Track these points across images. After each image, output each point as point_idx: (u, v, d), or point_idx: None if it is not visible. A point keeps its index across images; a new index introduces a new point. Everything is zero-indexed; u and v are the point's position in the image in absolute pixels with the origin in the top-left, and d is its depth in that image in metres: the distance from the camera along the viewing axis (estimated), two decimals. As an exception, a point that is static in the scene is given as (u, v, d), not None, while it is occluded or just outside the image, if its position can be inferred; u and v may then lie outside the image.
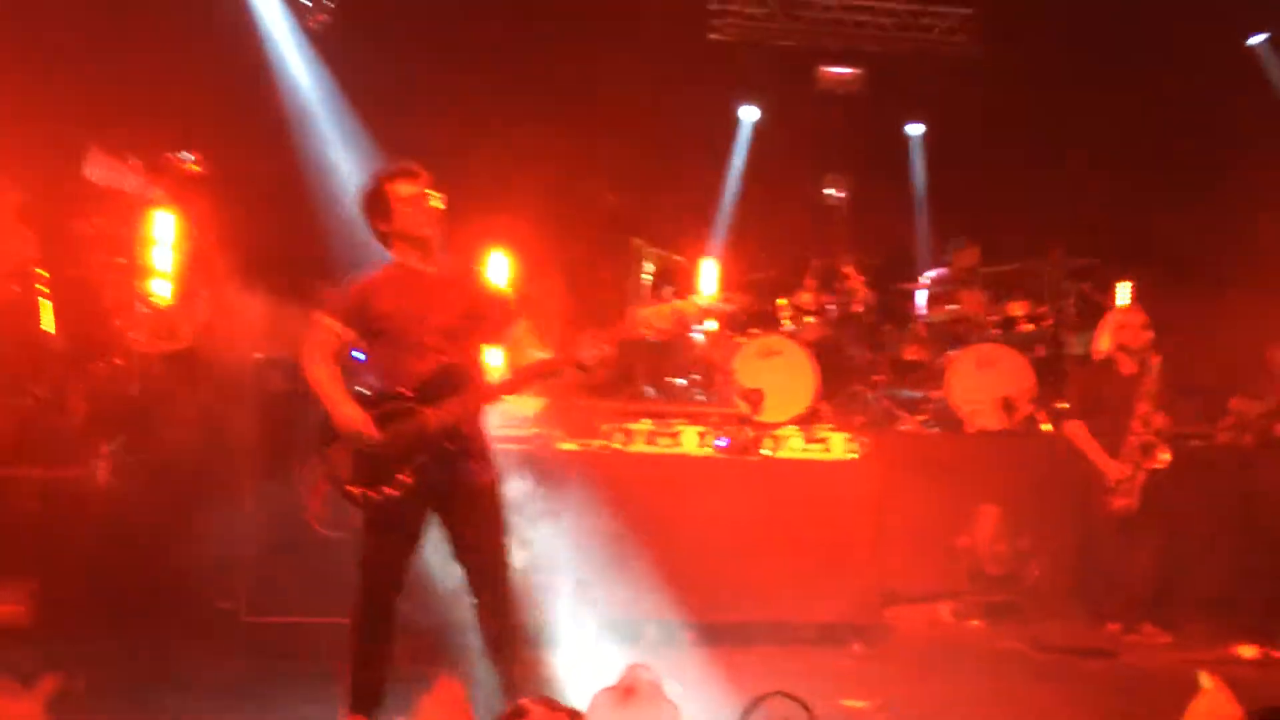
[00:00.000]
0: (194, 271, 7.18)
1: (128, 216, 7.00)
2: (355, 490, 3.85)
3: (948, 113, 10.02)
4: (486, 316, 4.07)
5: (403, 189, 4.00)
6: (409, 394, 3.88)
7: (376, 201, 4.03)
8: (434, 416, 3.85)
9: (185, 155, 5.06)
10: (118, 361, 7.05)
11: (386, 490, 3.82)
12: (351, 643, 3.97)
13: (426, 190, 4.02)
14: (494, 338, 4.19)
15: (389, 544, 3.93)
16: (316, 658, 5.02)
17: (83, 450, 6.40)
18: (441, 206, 4.04)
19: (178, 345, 6.96)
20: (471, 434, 3.96)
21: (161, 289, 7.11)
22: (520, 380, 4.08)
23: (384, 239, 4.07)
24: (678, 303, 4.05)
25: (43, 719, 3.83)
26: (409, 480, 3.82)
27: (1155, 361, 6.30)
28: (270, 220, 7.82)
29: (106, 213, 6.84)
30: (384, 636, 3.97)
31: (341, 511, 3.96)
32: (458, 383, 3.92)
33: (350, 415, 3.84)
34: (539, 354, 4.07)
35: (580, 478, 5.71)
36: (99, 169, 6.56)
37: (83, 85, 7.23)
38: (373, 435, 3.82)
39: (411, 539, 3.95)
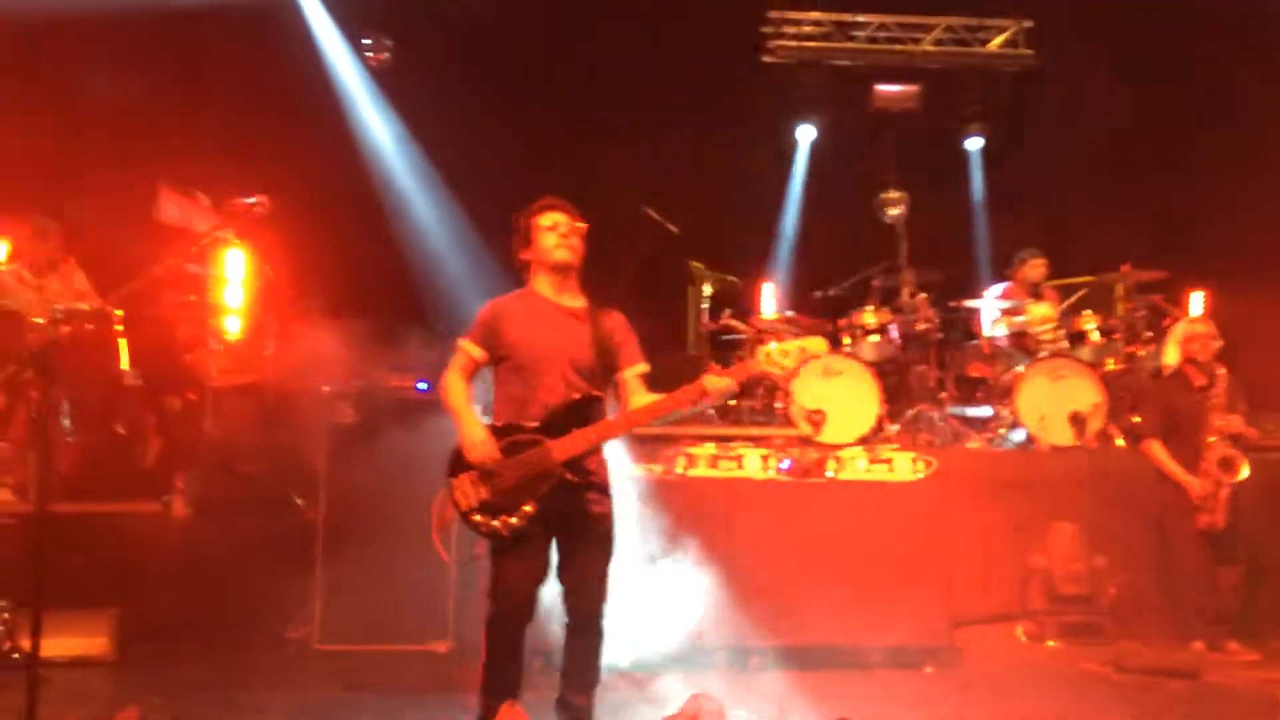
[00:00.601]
0: (263, 307, 7.36)
1: (199, 255, 7.19)
2: (479, 519, 3.92)
3: (1008, 126, 9.91)
4: (615, 354, 4.14)
5: (545, 219, 4.15)
6: (536, 425, 3.98)
7: (521, 231, 4.20)
8: (558, 449, 3.94)
9: (250, 199, 5.19)
10: (191, 397, 7.24)
11: (510, 520, 3.89)
12: (484, 671, 4.00)
13: (569, 221, 4.15)
14: (617, 375, 4.19)
15: (515, 573, 3.96)
16: (387, 686, 5.08)
17: (159, 484, 6.57)
18: (580, 238, 4.16)
19: (249, 379, 7.13)
20: (593, 467, 4.06)
21: (232, 325, 7.29)
22: (644, 416, 4.06)
23: (525, 268, 4.21)
24: (802, 342, 4.04)
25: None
26: (532, 510, 3.90)
27: (1221, 372, 6.16)
28: (338, 256, 8.01)
29: (178, 251, 7.03)
30: (513, 662, 4.01)
31: (467, 540, 4.06)
32: (584, 417, 4.01)
33: (476, 440, 3.93)
34: (649, 395, 4.11)
35: (647, 502, 5.71)
36: (170, 207, 6.76)
37: (156, 128, 7.47)
38: (497, 462, 3.91)
39: (537, 568, 3.99)
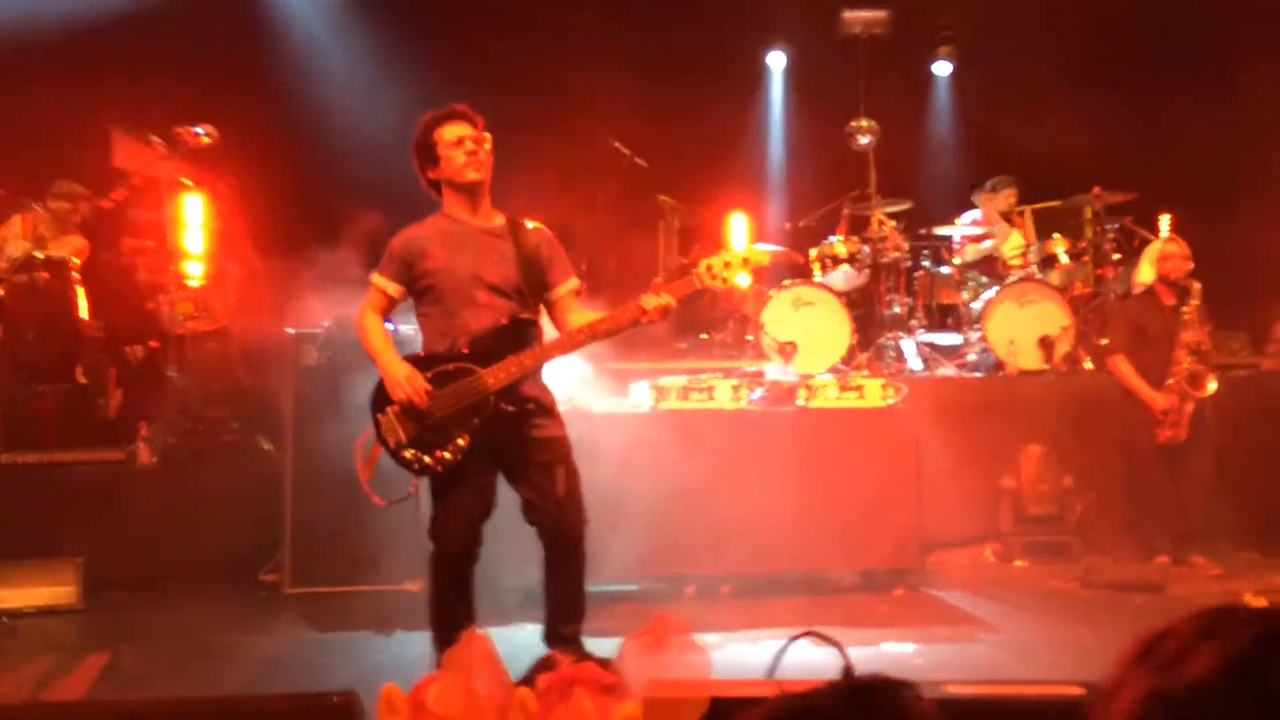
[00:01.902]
0: (224, 252, 7.24)
1: (156, 200, 7.06)
2: (410, 456, 3.74)
3: (977, 52, 9.79)
4: (544, 271, 3.90)
5: (449, 132, 3.82)
6: (463, 353, 3.77)
7: (424, 147, 3.87)
8: (491, 377, 3.72)
9: (198, 129, 5.05)
10: (153, 344, 7.14)
11: (443, 455, 3.71)
12: (432, 611, 3.89)
13: (475, 134, 3.85)
14: (548, 294, 3.95)
15: (455, 509, 3.79)
16: (358, 626, 5.08)
17: (123, 433, 6.51)
18: (488, 149, 3.87)
19: (212, 325, 7.03)
20: (533, 393, 3.84)
21: (194, 270, 7.17)
22: (583, 336, 3.84)
23: (434, 188, 3.93)
24: (739, 250, 3.92)
25: (92, 693, 3.93)
26: (465, 443, 3.71)
27: (1195, 288, 6.18)
28: (299, 196, 7.87)
29: (136, 198, 6.91)
30: (463, 601, 3.86)
31: (400, 479, 3.89)
32: (516, 341, 3.78)
33: (400, 376, 3.73)
34: (587, 312, 3.95)
35: (618, 437, 5.70)
36: (124, 152, 6.61)
37: (102, 68, 7.28)
38: (423, 397, 3.71)
39: (479, 503, 3.82)
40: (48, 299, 6.81)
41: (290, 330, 6.01)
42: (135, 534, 5.74)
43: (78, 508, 5.78)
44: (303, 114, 8.27)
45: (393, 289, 3.90)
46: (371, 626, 5.05)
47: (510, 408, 3.76)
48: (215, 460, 6.29)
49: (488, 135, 3.89)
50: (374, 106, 8.11)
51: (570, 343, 3.89)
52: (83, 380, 6.79)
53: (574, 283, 3.98)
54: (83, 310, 6.98)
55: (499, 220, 3.95)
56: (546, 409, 3.90)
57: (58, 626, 5.05)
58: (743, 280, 4.20)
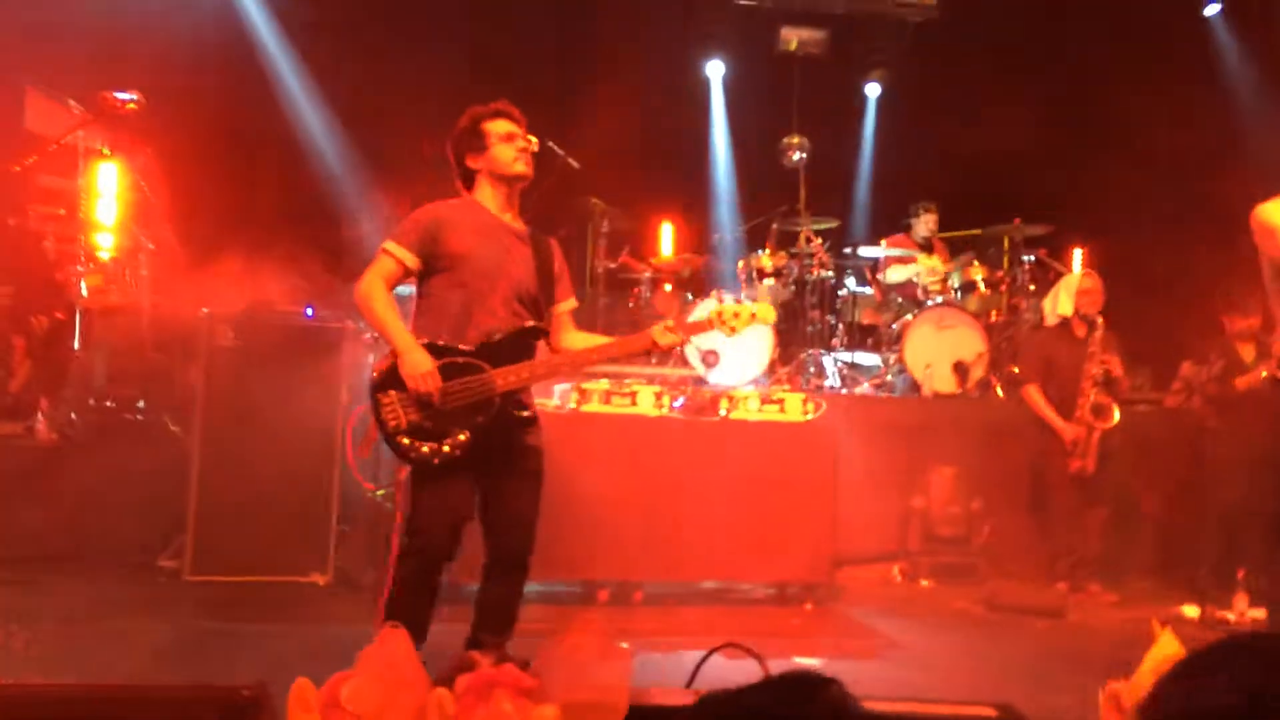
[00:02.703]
0: (138, 224, 7.00)
1: (70, 167, 6.79)
2: (406, 443, 3.58)
3: (907, 77, 9.98)
4: (553, 284, 3.88)
5: (501, 126, 3.81)
6: (472, 349, 3.66)
7: (472, 134, 3.82)
8: (501, 379, 3.64)
9: (123, 95, 4.87)
10: (60, 316, 6.87)
11: (441, 447, 3.58)
12: (390, 607, 3.61)
13: (524, 134, 3.84)
14: (550, 307, 3.90)
15: (441, 505, 3.62)
16: (263, 617, 4.95)
17: (23, 407, 6.25)
18: (535, 151, 3.86)
19: (122, 300, 6.79)
20: (528, 401, 3.80)
21: (105, 242, 6.92)
22: (591, 358, 3.85)
23: (469, 177, 3.86)
24: (754, 307, 3.93)
25: (-25, 676, 3.74)
26: (466, 439, 3.59)
27: (1100, 321, 6.40)
28: (217, 171, 7.65)
29: (48, 163, 6.63)
30: (428, 601, 3.66)
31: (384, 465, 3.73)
32: (526, 349, 3.73)
33: (420, 363, 3.57)
34: (584, 334, 3.95)
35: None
36: (39, 114, 6.35)
37: (18, 25, 6.98)
38: (438, 389, 3.57)
39: (464, 502, 3.67)
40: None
41: (205, 310, 5.84)
42: (33, 512, 5.51)
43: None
44: (236, 89, 8.05)
45: (410, 260, 3.70)
46: (278, 618, 4.92)
47: (515, 412, 3.70)
48: (119, 439, 6.08)
49: (533, 138, 3.89)
50: (310, 92, 7.94)
51: (582, 361, 3.93)
52: (-19, 350, 6.51)
53: (573, 303, 3.98)
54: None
55: (520, 225, 3.92)
56: (536, 419, 3.84)
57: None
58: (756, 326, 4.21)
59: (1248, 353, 6.19)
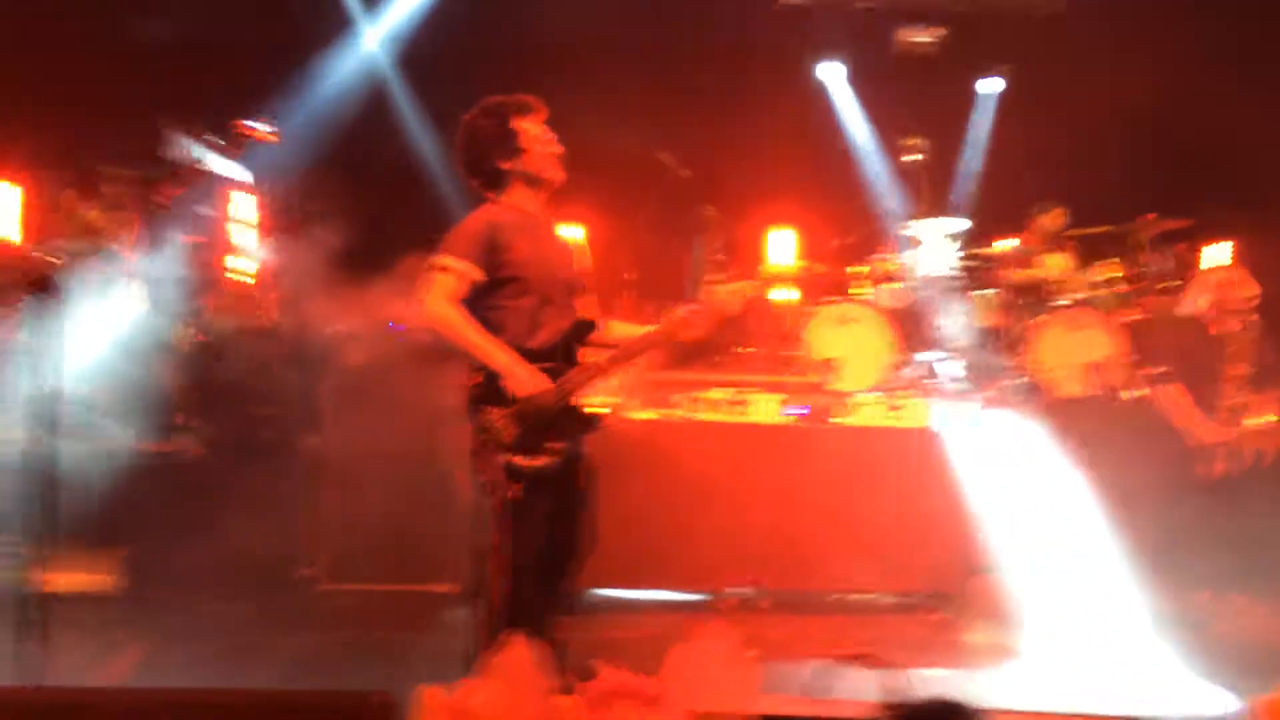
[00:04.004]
0: (274, 248, 7.30)
1: (208, 195, 7.13)
2: (519, 460, 3.47)
3: (1031, 72, 9.70)
4: (582, 278, 3.83)
5: (533, 125, 3.68)
6: (559, 353, 3.61)
7: (503, 137, 3.65)
8: (574, 381, 3.57)
9: (256, 124, 5.09)
10: (201, 338, 7.20)
11: (544, 460, 3.50)
12: (515, 622, 3.37)
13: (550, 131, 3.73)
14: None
15: (539, 516, 3.53)
16: (395, 626, 5.09)
17: (172, 425, 6.56)
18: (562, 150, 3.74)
19: (261, 322, 7.09)
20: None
21: (244, 266, 7.24)
22: (629, 355, 3.73)
23: (498, 179, 3.68)
24: (744, 284, 3.83)
25: (131, 681, 3.96)
26: (560, 448, 3.53)
27: (1253, 319, 6.07)
28: (352, 195, 7.94)
29: (182, 187, 6.97)
30: (542, 609, 3.59)
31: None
32: (580, 345, 3.68)
33: (529, 376, 3.46)
34: (626, 328, 3.88)
35: (657, 447, 5.69)
36: (178, 147, 6.69)
37: (159, 64, 7.36)
38: (551, 400, 3.48)
39: (554, 512, 3.61)
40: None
41: (334, 329, 6.06)
42: (178, 526, 5.78)
43: (121, 496, 5.81)
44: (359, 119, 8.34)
45: (475, 273, 3.53)
46: (409, 627, 5.05)
47: (589, 414, 3.65)
48: (258, 454, 6.33)
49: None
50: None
51: (623, 358, 3.74)
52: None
53: (592, 296, 3.90)
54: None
55: (550, 218, 3.86)
56: (598, 419, 3.77)
57: (94, 615, 5.08)
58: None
59: None
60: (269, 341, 7.17)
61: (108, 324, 6.51)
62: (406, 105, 8.58)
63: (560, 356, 3.62)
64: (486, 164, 3.70)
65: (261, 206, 7.23)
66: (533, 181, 3.70)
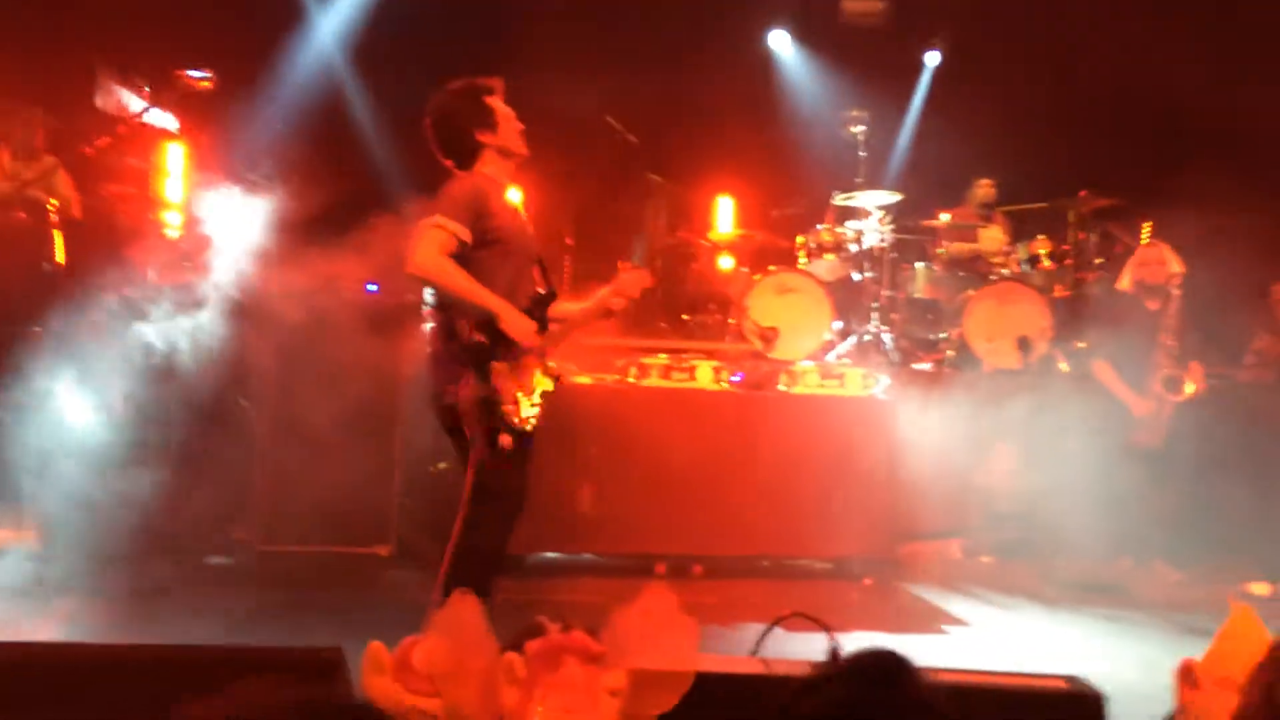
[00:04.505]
0: (205, 203, 7.13)
1: (139, 146, 6.93)
2: (511, 411, 3.63)
3: (970, 47, 9.80)
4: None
5: (501, 104, 3.89)
6: (532, 319, 3.77)
7: (482, 112, 3.85)
8: (546, 345, 3.80)
9: (195, 72, 4.96)
10: (129, 293, 7.02)
11: (531, 416, 3.69)
12: (479, 568, 3.62)
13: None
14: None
15: (522, 467, 3.74)
16: (332, 587, 5.06)
17: (101, 384, 6.40)
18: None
19: (190, 277, 6.92)
20: None
21: (174, 220, 7.06)
22: (573, 328, 3.99)
23: (474, 153, 3.86)
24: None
25: (60, 634, 3.89)
26: (540, 406, 3.72)
27: (1177, 294, 6.25)
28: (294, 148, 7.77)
29: (118, 143, 6.77)
30: (498, 570, 3.80)
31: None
32: (547, 314, 3.87)
33: (524, 321, 3.69)
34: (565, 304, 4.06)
35: (597, 412, 5.70)
36: (109, 96, 6.49)
37: (88, 6, 7.12)
38: (540, 349, 3.73)
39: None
40: (21, 239, 6.68)
41: (273, 288, 5.93)
42: (105, 483, 5.65)
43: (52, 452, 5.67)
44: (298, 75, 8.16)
45: (465, 234, 3.68)
46: (346, 588, 5.02)
47: (553, 375, 3.85)
48: (190, 412, 6.20)
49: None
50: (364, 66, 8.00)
51: (577, 324, 4.00)
52: (52, 326, 6.66)
53: None
54: (59, 254, 6.85)
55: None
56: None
57: (22, 571, 4.98)
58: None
59: None
60: (200, 298, 7.02)
61: (31, 279, 6.34)
62: (351, 64, 8.40)
63: (540, 320, 3.82)
64: (466, 138, 3.86)
65: (196, 159, 7.04)
66: (506, 154, 3.90)
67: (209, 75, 5.13)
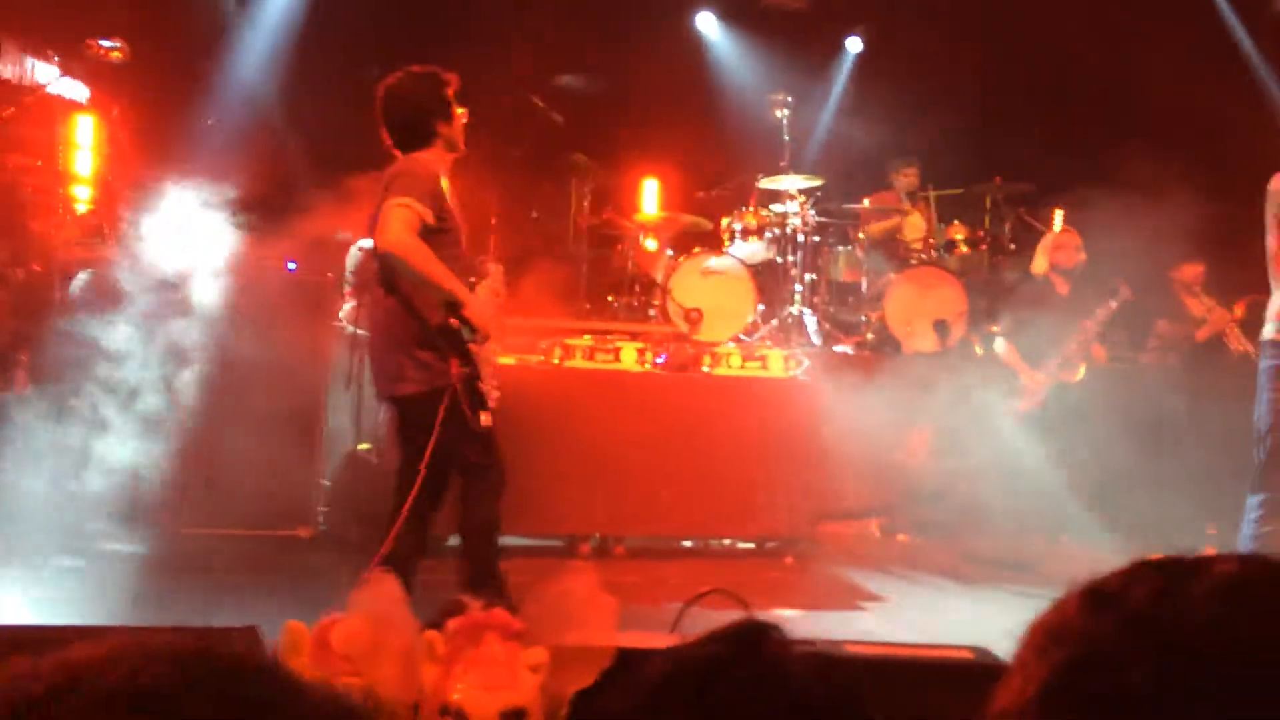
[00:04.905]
0: (117, 176, 6.92)
1: (46, 117, 6.70)
2: (487, 390, 3.80)
3: (889, 32, 9.94)
4: None
5: (455, 98, 3.96)
6: None
7: (443, 102, 3.90)
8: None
9: (107, 42, 4.80)
10: (37, 269, 6.80)
11: (496, 392, 3.85)
12: (493, 544, 4.00)
13: None
14: None
15: (498, 448, 3.94)
16: (242, 569, 4.98)
17: (3, 359, 6.20)
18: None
19: (100, 252, 6.73)
20: None
21: (82, 193, 6.85)
22: None
23: (426, 139, 3.88)
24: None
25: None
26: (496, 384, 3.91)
27: (1124, 292, 6.40)
28: (195, 119, 7.58)
29: (23, 113, 6.53)
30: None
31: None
32: None
33: (484, 307, 3.78)
34: None
35: (519, 392, 5.68)
36: (13, 63, 6.25)
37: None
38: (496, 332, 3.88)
39: None
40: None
41: (190, 266, 5.80)
42: (17, 463, 5.49)
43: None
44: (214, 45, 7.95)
45: (429, 216, 3.71)
46: (262, 570, 4.95)
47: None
48: (103, 391, 6.05)
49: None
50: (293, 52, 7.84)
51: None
52: (-43, 302, 6.44)
53: None
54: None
55: None
56: None
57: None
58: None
59: (1195, 306, 6.27)
60: (112, 274, 6.83)
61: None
62: (268, 41, 8.21)
63: None
64: (423, 123, 3.88)
65: (107, 131, 6.83)
66: (452, 147, 3.97)
67: (120, 45, 4.97)
